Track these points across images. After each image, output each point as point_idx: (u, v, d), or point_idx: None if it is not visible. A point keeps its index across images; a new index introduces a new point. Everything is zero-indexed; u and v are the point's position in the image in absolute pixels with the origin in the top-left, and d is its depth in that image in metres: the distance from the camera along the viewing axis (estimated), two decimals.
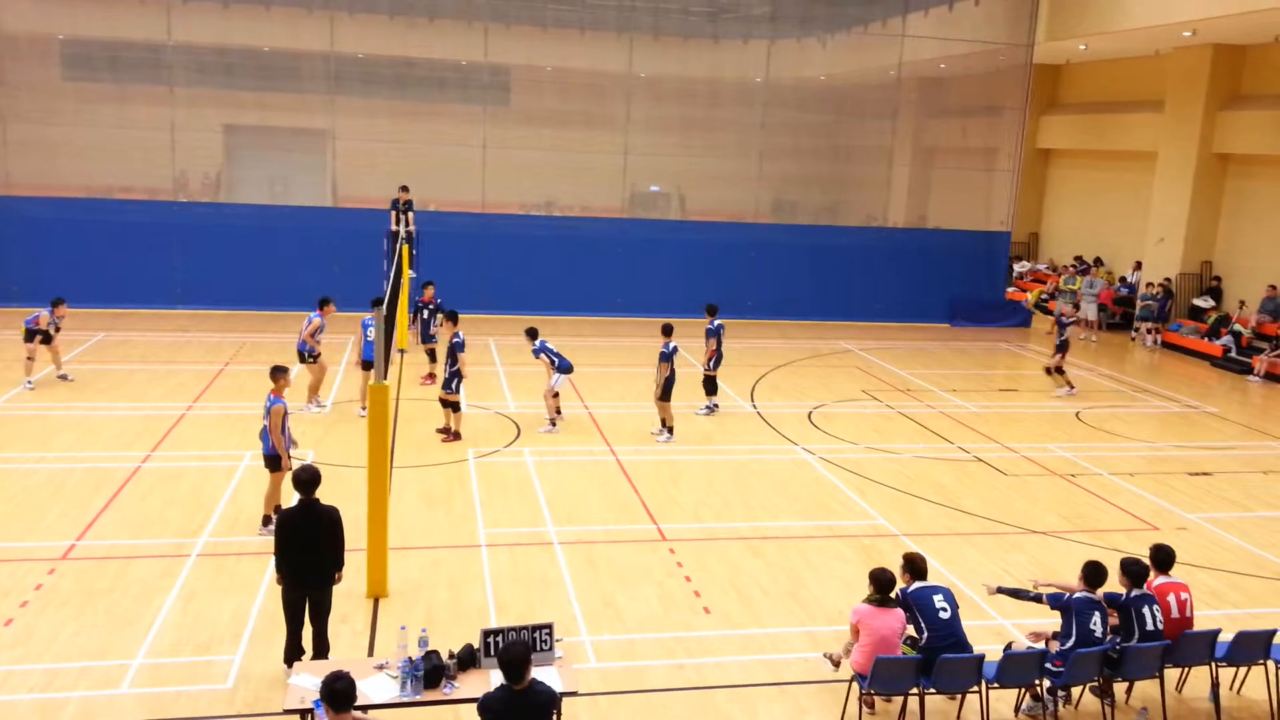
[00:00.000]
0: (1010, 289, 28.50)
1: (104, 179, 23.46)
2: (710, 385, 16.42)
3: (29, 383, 15.68)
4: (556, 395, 15.08)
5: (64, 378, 16.19)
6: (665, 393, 14.82)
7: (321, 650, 8.02)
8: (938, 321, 26.02)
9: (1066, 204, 31.20)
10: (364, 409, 15.08)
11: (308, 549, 7.89)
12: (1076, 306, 25.14)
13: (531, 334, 15.21)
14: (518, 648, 6.16)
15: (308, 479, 7.97)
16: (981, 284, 26.63)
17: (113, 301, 21.89)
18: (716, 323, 16.32)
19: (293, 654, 8.02)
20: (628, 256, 24.45)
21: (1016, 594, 8.37)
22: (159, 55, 23.03)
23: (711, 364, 16.27)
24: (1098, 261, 28.50)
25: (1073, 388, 18.77)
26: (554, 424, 15.04)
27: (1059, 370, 18.83)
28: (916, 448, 15.20)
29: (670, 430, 14.92)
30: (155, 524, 10.96)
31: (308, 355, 15.09)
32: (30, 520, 10.88)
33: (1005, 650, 8.08)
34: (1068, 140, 30.33)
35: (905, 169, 27.36)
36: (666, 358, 14.76)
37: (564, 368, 14.93)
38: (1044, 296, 28.18)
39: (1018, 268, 31.01)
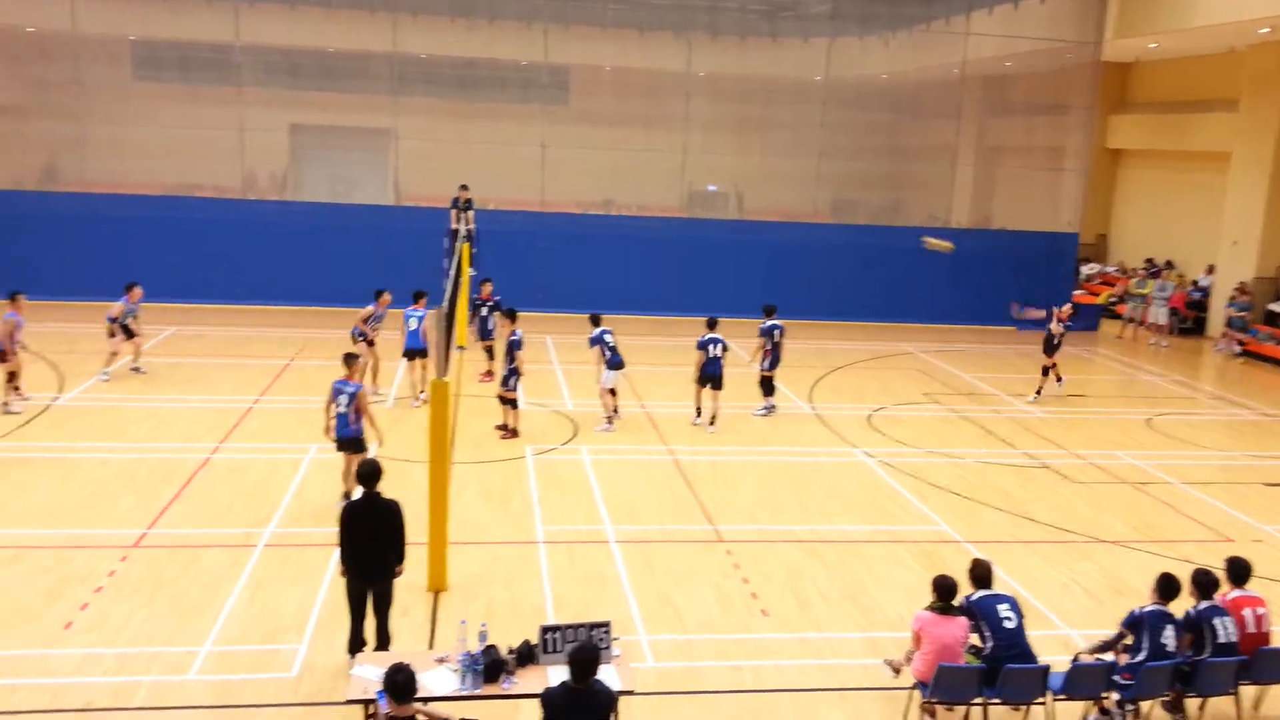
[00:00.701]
0: (1078, 291, 27.88)
1: (174, 177, 24.07)
2: (767, 386, 16.28)
3: (105, 374, 16.14)
4: (614, 393, 15.07)
5: (137, 370, 16.64)
6: (713, 382, 15.26)
7: (383, 642, 8.13)
8: (1002, 324, 25.56)
9: (1136, 205, 30.45)
10: (421, 395, 15.58)
11: (370, 542, 7.99)
12: (1145, 310, 24.55)
13: (594, 320, 15.19)
14: (589, 650, 6.19)
15: (369, 472, 8.08)
16: (1048, 286, 26.04)
17: (184, 297, 22.43)
18: (770, 323, 16.09)
19: (355, 645, 8.13)
20: (685, 256, 24.40)
21: (1103, 649, 8.01)
22: (227, 56, 23.55)
23: (767, 364, 16.10)
24: (1169, 264, 27.76)
25: (1060, 380, 18.15)
26: (610, 422, 15.05)
27: (1048, 370, 18.04)
28: (980, 452, 14.94)
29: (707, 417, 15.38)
30: (224, 514, 11.20)
31: (358, 337, 15.65)
32: (104, 508, 11.18)
33: (1073, 661, 7.90)
34: (1138, 140, 29.59)
35: (969, 168, 26.93)
36: (702, 346, 15.04)
37: (615, 363, 14.88)
38: (1113, 299, 27.54)
39: (1086, 270, 30.35)
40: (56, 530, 10.53)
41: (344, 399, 11.09)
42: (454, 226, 21.48)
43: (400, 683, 5.84)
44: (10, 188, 23.86)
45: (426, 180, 24.27)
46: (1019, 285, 25.76)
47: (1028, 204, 26.55)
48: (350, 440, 11.14)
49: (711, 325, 15.31)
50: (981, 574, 7.89)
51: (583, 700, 6.25)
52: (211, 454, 13.11)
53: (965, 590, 7.85)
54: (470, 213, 21.75)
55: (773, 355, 16.06)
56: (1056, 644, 9.10)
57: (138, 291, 16.48)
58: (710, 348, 15.10)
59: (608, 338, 14.94)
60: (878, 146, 26.59)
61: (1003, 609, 7.70)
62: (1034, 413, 17.32)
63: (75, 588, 9.30)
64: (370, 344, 15.76)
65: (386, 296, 16.01)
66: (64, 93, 23.34)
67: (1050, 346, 17.91)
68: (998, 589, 7.96)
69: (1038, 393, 17.99)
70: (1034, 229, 26.10)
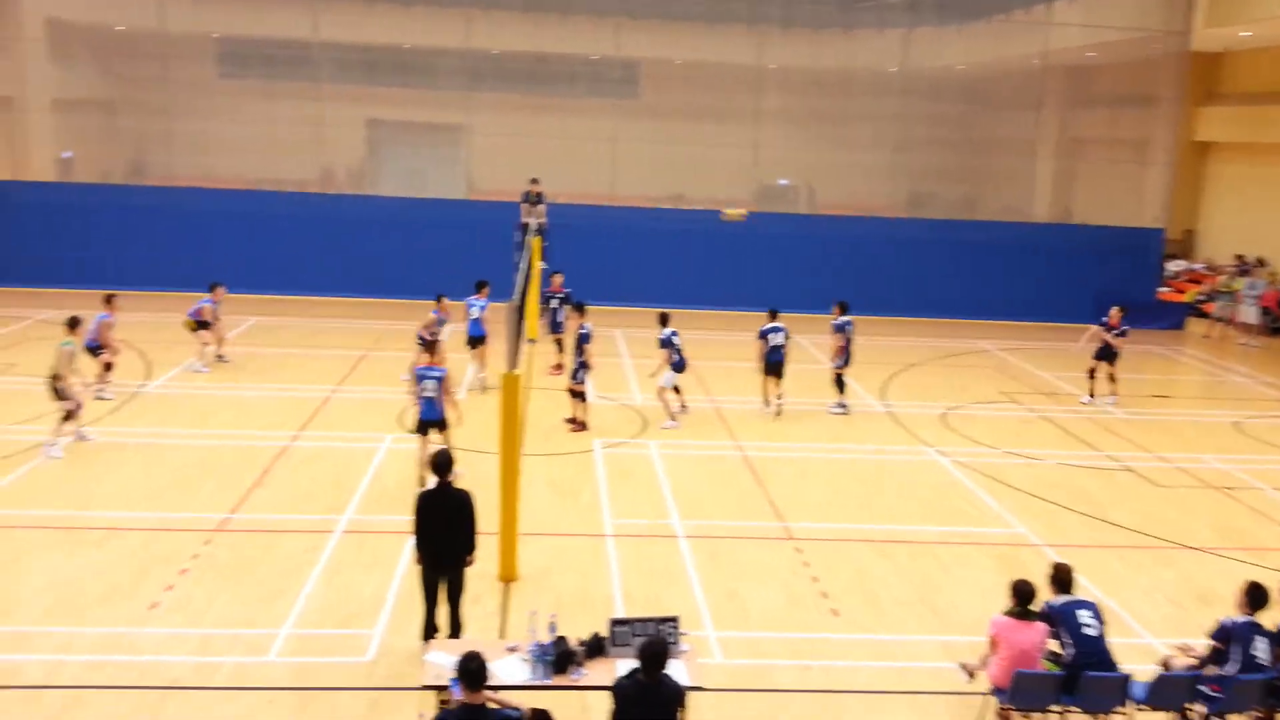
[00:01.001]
0: (1163, 289, 27.01)
1: (255, 172, 24.68)
2: (840, 384, 16.10)
3: (201, 367, 16.58)
4: (678, 390, 15.00)
5: (221, 358, 17.12)
6: (775, 370, 15.50)
7: (456, 629, 8.23)
8: (1082, 322, 24.71)
9: (1226, 200, 29.34)
10: (481, 376, 16.21)
11: (443, 531, 8.11)
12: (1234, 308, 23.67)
13: (663, 320, 15.08)
14: (660, 644, 6.20)
15: (442, 462, 8.19)
16: (1131, 283, 25.27)
17: (264, 288, 23.01)
18: (844, 319, 15.86)
19: (429, 631, 8.26)
20: (755, 250, 24.23)
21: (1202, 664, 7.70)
22: (306, 53, 24.08)
23: (841, 362, 15.90)
24: (1260, 261, 26.69)
25: (1114, 395, 17.14)
26: (674, 419, 15.02)
27: (1103, 377, 17.09)
28: (1059, 454, 14.58)
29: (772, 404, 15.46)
30: (302, 500, 11.47)
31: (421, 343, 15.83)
32: (189, 493, 11.53)
33: (1161, 669, 7.64)
34: (1228, 133, 28.49)
35: (1049, 162, 26.24)
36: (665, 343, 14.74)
37: (679, 365, 14.80)
38: (1200, 297, 26.60)
39: (1172, 266, 29.34)
40: (144, 513, 10.89)
41: (430, 383, 11.63)
42: (525, 220, 21.65)
43: (473, 671, 5.91)
44: (99, 181, 24.75)
45: (498, 174, 24.51)
46: (1100, 282, 25.03)
47: (1111, 198, 25.80)
48: (438, 421, 11.80)
49: (773, 315, 15.60)
50: (1063, 578, 7.69)
51: (652, 694, 6.25)
52: (291, 441, 13.43)
53: (1044, 595, 7.67)
54: (541, 206, 21.90)
55: (845, 352, 15.84)
56: (1138, 653, 8.83)
57: (221, 292, 16.97)
58: (771, 336, 15.36)
59: (676, 339, 14.87)
60: (954, 139, 26.07)
61: (1084, 615, 7.50)
62: (1116, 414, 16.84)
63: (161, 569, 9.61)
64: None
65: (446, 301, 16.27)
66: (151, 89, 24.11)
67: (1104, 354, 16.97)
68: (1078, 594, 7.76)
69: (1091, 395, 17.21)
70: (1117, 224, 25.34)
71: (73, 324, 12.95)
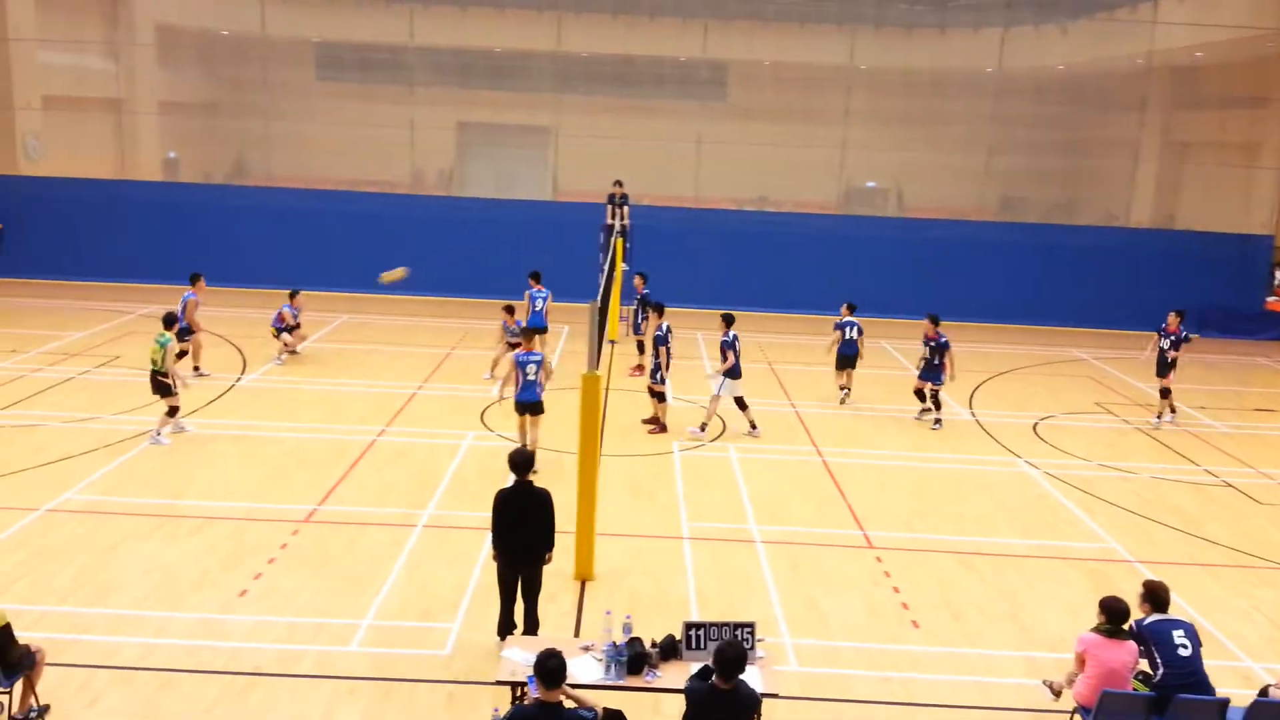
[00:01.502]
0: (1271, 298, 25.79)
1: (350, 173, 25.35)
2: (935, 398, 15.41)
3: (278, 359, 17.17)
4: (741, 404, 14.28)
5: (294, 353, 17.57)
6: (848, 363, 15.93)
7: (532, 627, 8.30)
8: (1183, 330, 23.90)
9: None
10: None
11: (521, 528, 8.18)
12: None
13: (728, 321, 14.35)
14: (737, 649, 6.15)
15: (522, 461, 8.27)
16: (1236, 292, 24.25)
17: (354, 286, 23.60)
18: (943, 338, 15.12)
19: (505, 627, 8.34)
20: (842, 254, 23.92)
21: None
22: (401, 56, 24.64)
23: (945, 378, 15.21)
24: None
25: (1174, 411, 16.15)
26: (704, 428, 14.31)
27: (1164, 393, 15.95)
28: (1155, 468, 14.04)
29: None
30: (387, 495, 11.72)
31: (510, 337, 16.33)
32: (279, 485, 11.88)
33: (1259, 695, 7.29)
34: None
35: (1152, 165, 25.29)
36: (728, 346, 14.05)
37: (735, 373, 14.13)
38: None
39: None
40: (236, 504, 11.26)
41: (532, 367, 12.27)
42: (609, 222, 21.77)
43: (551, 669, 5.95)
44: (201, 180, 25.72)
45: (584, 176, 24.69)
46: (1204, 290, 24.07)
47: (1217, 203, 24.76)
48: (538, 404, 12.38)
49: (851, 309, 16.25)
50: (1158, 597, 7.39)
51: (727, 699, 6.21)
52: (377, 437, 13.74)
53: (1135, 613, 7.38)
54: (625, 208, 21.99)
55: (928, 365, 15.18)
56: (1236, 676, 8.46)
57: (301, 299, 17.47)
58: (846, 330, 16.08)
59: (738, 344, 14.20)
60: (1052, 141, 25.34)
61: (1177, 635, 7.20)
62: (1218, 427, 16.15)
63: (250, 558, 9.92)
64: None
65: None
66: (252, 91, 24.96)
67: (1163, 366, 15.85)
68: (1172, 614, 7.45)
69: (1159, 416, 16.08)
70: (1223, 230, 24.31)
71: (169, 321, 13.36)
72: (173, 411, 13.17)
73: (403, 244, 23.82)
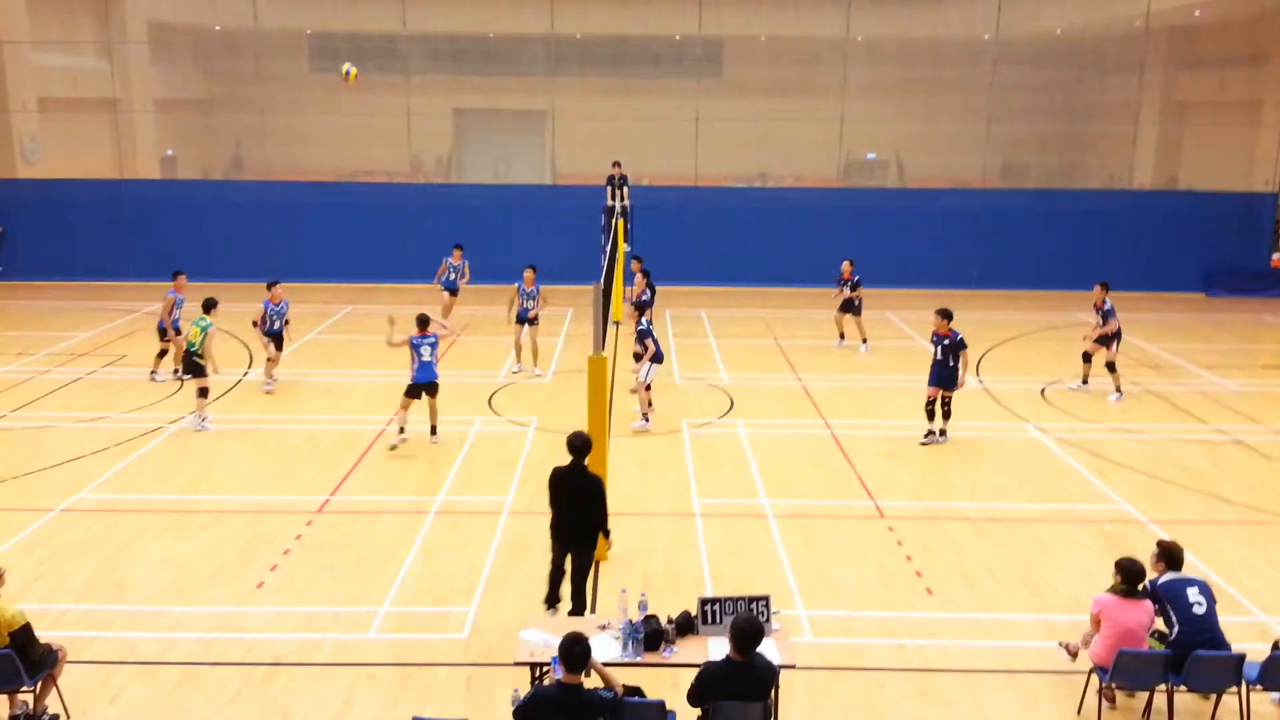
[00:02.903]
0: (1276, 255, 25.68)
1: (348, 164, 25.30)
2: (933, 409, 13.53)
3: (268, 384, 15.50)
4: (649, 388, 13.84)
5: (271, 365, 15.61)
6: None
7: (579, 606, 8.32)
8: (1190, 291, 23.87)
9: None
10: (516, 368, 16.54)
11: (571, 508, 8.32)
12: None
13: (641, 307, 14.18)
14: (754, 623, 6.20)
15: (580, 445, 8.35)
16: (1241, 250, 24.15)
17: (357, 277, 23.62)
18: (957, 335, 13.15)
19: (551, 600, 8.50)
20: (843, 227, 23.85)
21: None
22: (394, 45, 24.50)
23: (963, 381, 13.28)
24: None
25: (1120, 393, 15.15)
26: (646, 419, 13.83)
27: (1109, 366, 15.12)
28: (1166, 428, 14.02)
29: None
30: (398, 482, 11.76)
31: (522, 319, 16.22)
32: (291, 476, 11.92)
33: (1273, 649, 7.31)
34: None
35: (1153, 126, 25.11)
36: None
37: (659, 357, 13.78)
38: None
39: None
40: (250, 496, 11.31)
41: (427, 349, 12.84)
42: (609, 203, 21.71)
43: (576, 654, 5.98)
44: (199, 177, 25.69)
45: (582, 158, 24.59)
46: (1208, 249, 23.99)
47: (1219, 163, 24.61)
48: (434, 384, 12.94)
49: (851, 263, 17.96)
50: (1173, 556, 7.40)
51: (744, 671, 6.24)
52: (386, 425, 13.76)
53: (1149, 573, 7.40)
54: (625, 189, 21.92)
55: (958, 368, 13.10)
56: (1252, 631, 8.47)
57: (279, 290, 15.43)
58: (843, 288, 17.90)
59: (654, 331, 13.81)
60: (1051, 106, 25.18)
61: (1192, 593, 7.21)
62: (1227, 385, 16.11)
63: (266, 550, 9.97)
64: (532, 322, 16.20)
65: (529, 273, 16.34)
66: (247, 86, 24.87)
67: (1105, 338, 15.13)
68: (1186, 572, 7.46)
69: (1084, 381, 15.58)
70: (1226, 189, 24.19)
71: (208, 306, 13.67)
72: (203, 393, 13.55)
73: (403, 233, 23.83)
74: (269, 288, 15.43)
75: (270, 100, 24.67)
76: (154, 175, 25.25)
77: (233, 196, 24.28)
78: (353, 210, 24.05)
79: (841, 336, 18.43)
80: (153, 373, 15.75)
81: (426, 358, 12.85)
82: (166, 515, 10.75)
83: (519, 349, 16.48)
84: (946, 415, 13.34)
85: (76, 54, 24.71)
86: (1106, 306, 15.09)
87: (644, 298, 16.48)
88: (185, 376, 14.12)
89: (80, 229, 23.92)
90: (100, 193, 23.98)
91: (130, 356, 17.17)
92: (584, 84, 25.11)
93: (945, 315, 13.11)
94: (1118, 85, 25.05)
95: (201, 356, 13.37)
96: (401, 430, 12.84)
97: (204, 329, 13.41)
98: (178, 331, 15.15)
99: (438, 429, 13.10)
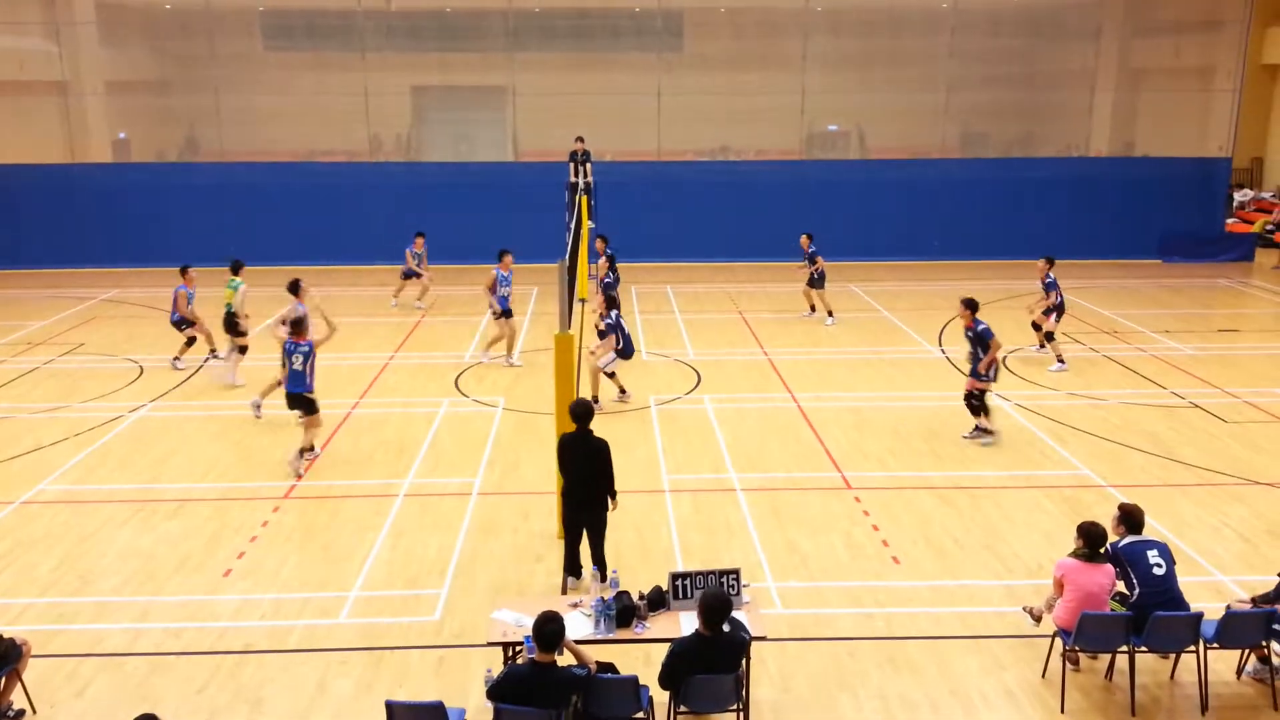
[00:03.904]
0: (1230, 220, 26.12)
1: (305, 143, 24.90)
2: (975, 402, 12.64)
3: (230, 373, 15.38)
4: (612, 375, 13.73)
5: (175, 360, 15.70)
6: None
7: (601, 569, 8.29)
8: (1147, 257, 24.22)
9: None
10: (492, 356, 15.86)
11: (580, 473, 8.46)
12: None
13: (612, 303, 13.53)
14: (721, 598, 6.28)
15: (582, 412, 8.49)
16: (1197, 215, 24.51)
17: (319, 259, 23.33)
18: (982, 325, 12.41)
19: (571, 568, 8.63)
20: (806, 199, 23.91)
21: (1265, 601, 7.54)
22: (350, 21, 24.11)
23: (992, 375, 12.50)
24: None
25: (1063, 363, 15.37)
26: (623, 392, 13.90)
27: (1048, 337, 15.56)
28: (1124, 393, 14.26)
29: None
30: (366, 466, 11.70)
31: (500, 308, 15.44)
32: (256, 463, 11.82)
33: (1227, 610, 7.50)
34: None
35: (1109, 94, 25.35)
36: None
37: (627, 352, 13.52)
38: (1269, 227, 25.71)
39: (1238, 196, 28.34)
40: (213, 484, 11.20)
41: (299, 357, 11.29)
42: (572, 179, 21.60)
43: (549, 634, 6.02)
44: (154, 160, 25.20)
45: (544, 135, 24.40)
46: (1165, 215, 24.32)
47: (1174, 129, 24.92)
48: (302, 397, 11.35)
49: (810, 238, 18.22)
50: (1133, 519, 7.55)
51: (714, 646, 6.31)
52: (352, 409, 13.67)
53: (1110, 536, 7.55)
54: (588, 165, 21.81)
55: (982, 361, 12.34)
56: (1208, 590, 8.68)
57: (192, 274, 15.42)
58: (820, 260, 18.13)
59: (624, 325, 13.50)
60: (1009, 75, 25.34)
61: (1152, 555, 7.36)
62: (1183, 350, 16.41)
63: (232, 537, 9.89)
64: (508, 315, 15.53)
65: (509, 258, 15.79)
66: (200, 66, 24.39)
67: (1047, 310, 15.57)
68: (1146, 535, 7.62)
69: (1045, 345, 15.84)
70: (1181, 155, 24.52)
71: (236, 268, 14.85)
72: (242, 350, 14.60)
73: (364, 213, 23.56)
74: (183, 272, 15.40)
75: (224, 80, 24.22)
76: (107, 159, 24.72)
77: (188, 179, 23.84)
78: (312, 191, 23.71)
79: (812, 309, 18.62)
80: (175, 359, 15.60)
81: (298, 367, 11.31)
82: (130, 505, 10.63)
83: (511, 341, 15.74)
84: (986, 410, 12.37)
85: (23, 36, 24.07)
86: (1049, 280, 15.65)
87: (608, 281, 16.41)
88: (215, 358, 15.33)
89: (31, 216, 23.42)
90: (51, 178, 23.47)
91: (89, 344, 16.88)
92: (544, 59, 24.88)
93: (968, 305, 12.37)
94: (1074, 52, 25.26)
95: (238, 315, 14.41)
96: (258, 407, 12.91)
97: (236, 288, 14.52)
98: (195, 322, 15.38)
99: (305, 452, 11.50)
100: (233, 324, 14.58)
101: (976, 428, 12.40)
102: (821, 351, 16.45)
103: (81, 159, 24.07)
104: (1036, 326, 16.03)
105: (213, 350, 15.71)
